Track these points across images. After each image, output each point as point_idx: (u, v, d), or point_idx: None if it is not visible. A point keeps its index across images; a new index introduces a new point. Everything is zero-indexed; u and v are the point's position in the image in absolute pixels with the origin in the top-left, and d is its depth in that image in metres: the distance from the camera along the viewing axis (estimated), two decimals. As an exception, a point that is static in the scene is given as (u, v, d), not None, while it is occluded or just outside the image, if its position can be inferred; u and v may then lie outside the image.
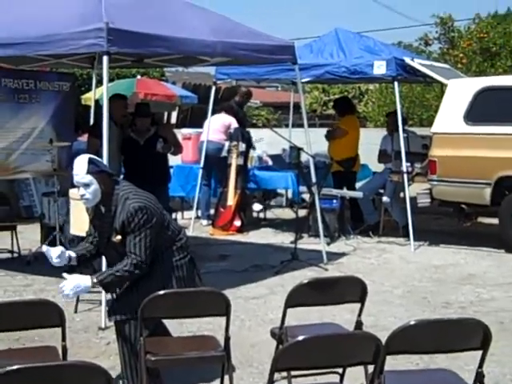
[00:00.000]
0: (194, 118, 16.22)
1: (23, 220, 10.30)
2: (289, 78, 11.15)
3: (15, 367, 2.91)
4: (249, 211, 11.82)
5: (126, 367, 4.71)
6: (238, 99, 12.05)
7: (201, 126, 12.69)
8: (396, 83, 10.09)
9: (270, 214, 12.38)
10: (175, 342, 4.72)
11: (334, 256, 9.32)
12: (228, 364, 4.35)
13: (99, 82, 10.70)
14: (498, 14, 26.00)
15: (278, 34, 9.10)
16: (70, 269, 8.09)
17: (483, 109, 9.51)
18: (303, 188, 10.66)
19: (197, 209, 11.51)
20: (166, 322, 5.00)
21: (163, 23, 7.53)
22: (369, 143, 13.13)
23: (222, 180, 11.46)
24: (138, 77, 14.82)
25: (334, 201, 10.57)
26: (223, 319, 4.36)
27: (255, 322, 6.74)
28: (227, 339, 4.33)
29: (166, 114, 15.86)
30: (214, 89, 11.31)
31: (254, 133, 12.41)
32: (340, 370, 4.47)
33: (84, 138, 10.59)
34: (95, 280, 4.61)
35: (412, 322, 3.49)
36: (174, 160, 10.75)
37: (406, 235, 10.11)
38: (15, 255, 9.11)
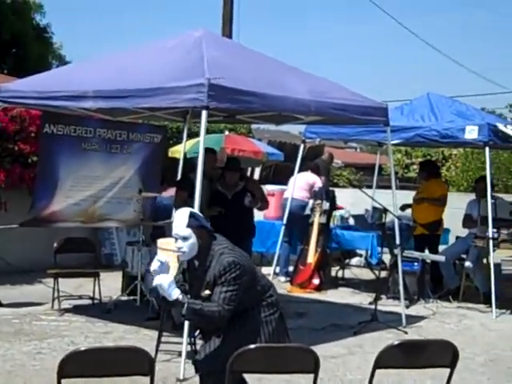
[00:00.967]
0: (278, 174, 16.26)
1: (104, 267, 10.47)
2: (378, 139, 11.13)
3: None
4: (328, 270, 11.77)
5: None
6: (325, 158, 12.13)
7: (283, 184, 12.77)
8: (487, 149, 10.00)
9: (348, 274, 12.30)
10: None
11: (413, 319, 9.18)
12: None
13: (189, 136, 10.91)
14: None
15: (367, 94, 9.15)
16: (151, 319, 8.29)
17: None
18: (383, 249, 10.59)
19: (276, 265, 11.52)
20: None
21: (260, 81, 7.67)
22: (450, 207, 12.98)
23: (302, 237, 11.46)
24: (226, 132, 15.02)
25: (415, 263, 10.46)
26: (300, 377, 4.33)
27: (334, 382, 6.67)
28: (314, 397, 4.28)
29: (249, 169, 15.99)
30: (302, 147, 11.40)
31: (337, 192, 12.43)
32: None
33: (168, 192, 10.73)
34: (186, 301, 4.56)
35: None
36: (256, 215, 10.82)
37: (487, 302, 9.92)
38: (96, 302, 9.24)
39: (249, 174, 15.80)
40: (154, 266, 4.80)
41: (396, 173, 23.19)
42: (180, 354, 6.64)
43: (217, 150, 9.99)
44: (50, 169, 9.45)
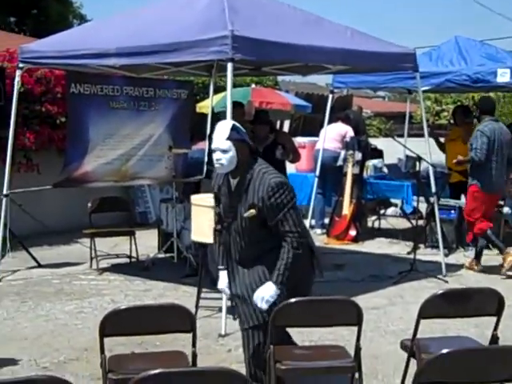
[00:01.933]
0: (307, 126, 16.12)
1: (138, 226, 10.45)
2: (407, 86, 10.95)
3: (156, 371, 2.88)
4: (364, 221, 11.67)
5: (252, 375, 4.63)
6: (356, 109, 11.96)
7: (313, 135, 12.63)
8: (521, 91, 9.78)
9: (384, 224, 12.18)
10: (303, 351, 4.64)
11: (452, 268, 9.10)
12: (359, 375, 4.24)
13: (215, 90, 10.77)
14: None
15: (396, 41, 8.96)
16: (189, 275, 8.27)
17: None
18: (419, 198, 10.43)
19: (311, 218, 11.43)
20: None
21: (284, 31, 7.52)
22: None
23: (336, 189, 11.35)
24: (253, 85, 14.88)
25: (452, 211, 10.32)
26: (343, 329, 4.27)
27: (377, 333, 6.61)
28: (358, 349, 4.23)
29: (278, 122, 15.85)
30: (330, 97, 11.21)
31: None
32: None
33: (198, 145, 10.65)
34: (278, 284, 4.42)
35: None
36: (288, 168, 10.73)
37: (528, 248, 9.74)
38: (133, 260, 9.24)
39: (278, 126, 15.66)
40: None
41: (427, 120, 22.97)
42: (220, 310, 6.62)
43: (244, 104, 9.86)
44: (79, 129, 9.37)
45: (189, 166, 10.43)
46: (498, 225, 10.41)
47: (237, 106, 8.60)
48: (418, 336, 4.64)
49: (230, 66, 6.68)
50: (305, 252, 4.58)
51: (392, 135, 13.56)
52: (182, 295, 7.74)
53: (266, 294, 4.41)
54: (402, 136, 14.06)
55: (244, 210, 4.46)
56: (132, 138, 9.84)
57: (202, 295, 7.03)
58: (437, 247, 9.41)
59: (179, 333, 4.30)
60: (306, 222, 11.19)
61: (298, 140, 12.68)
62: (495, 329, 4.45)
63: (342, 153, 11.29)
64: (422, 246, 10.17)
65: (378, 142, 14.41)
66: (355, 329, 4.29)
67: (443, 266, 8.80)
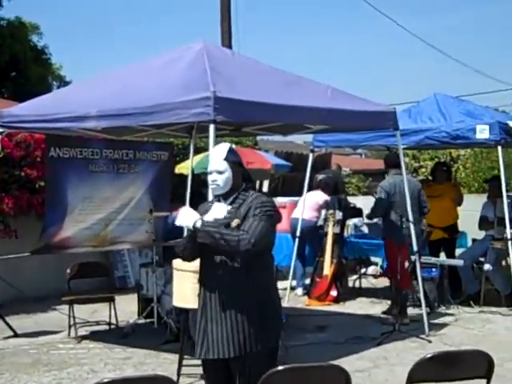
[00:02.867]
0: (287, 186, 16.13)
1: (118, 291, 10.33)
2: (388, 144, 10.99)
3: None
4: (345, 280, 11.62)
5: None
6: (335, 168, 11.99)
7: (293, 195, 12.61)
8: (500, 148, 9.83)
9: (365, 283, 12.14)
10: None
11: (435, 327, 9.04)
12: None
13: (195, 151, 10.75)
14: None
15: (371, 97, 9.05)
16: (170, 341, 8.14)
17: None
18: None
19: (292, 279, 11.37)
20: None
21: (266, 91, 7.55)
22: (463, 209, 12.84)
23: (317, 249, 11.29)
24: (233, 146, 14.89)
25: (433, 269, 10.29)
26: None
27: (362, 398, 6.51)
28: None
29: (258, 182, 15.85)
30: (311, 156, 11.20)
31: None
32: None
33: (178, 212, 10.55)
34: (199, 224, 4.33)
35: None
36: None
37: (510, 305, 9.78)
38: (113, 327, 9.10)
39: (258, 186, 15.66)
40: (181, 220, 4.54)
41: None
42: (202, 377, 6.49)
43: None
44: (58, 194, 9.30)
45: (169, 231, 10.36)
46: (479, 282, 10.43)
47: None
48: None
49: (212, 127, 6.68)
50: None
51: (372, 192, 13.58)
52: (163, 362, 7.61)
53: (188, 217, 4.40)
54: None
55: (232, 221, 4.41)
56: (112, 201, 9.78)
57: (184, 362, 6.91)
58: (418, 306, 9.36)
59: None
60: (288, 283, 11.10)
61: (279, 200, 12.66)
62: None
63: (323, 212, 11.26)
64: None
65: (357, 200, 14.43)
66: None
67: (426, 326, 8.73)
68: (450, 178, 11.43)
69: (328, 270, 10.84)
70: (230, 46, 17.58)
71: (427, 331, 8.69)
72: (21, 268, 10.30)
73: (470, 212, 11.36)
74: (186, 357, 6.96)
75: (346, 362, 7.54)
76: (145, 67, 8.25)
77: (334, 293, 10.81)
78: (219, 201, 4.53)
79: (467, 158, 23.16)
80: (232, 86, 7.11)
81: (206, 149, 14.79)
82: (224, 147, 4.59)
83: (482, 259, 10.59)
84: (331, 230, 10.89)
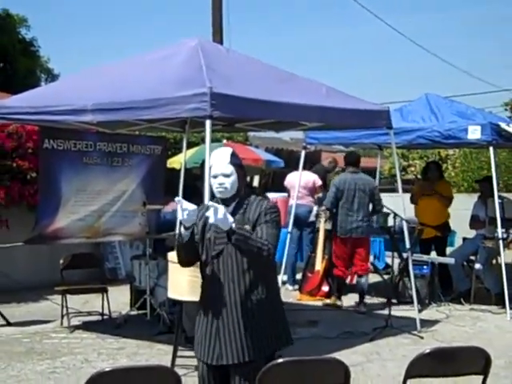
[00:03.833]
0: (277, 182, 16.17)
1: (109, 282, 10.33)
2: (378, 142, 11.05)
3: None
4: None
5: None
6: (326, 164, 12.03)
7: (283, 191, 12.63)
8: (491, 148, 9.90)
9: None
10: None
11: (426, 323, 9.09)
12: None
13: (187, 146, 10.77)
14: None
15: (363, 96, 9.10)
16: (162, 333, 8.16)
17: None
18: (388, 253, 10.50)
19: (283, 273, 11.40)
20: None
21: (260, 88, 7.58)
22: (453, 209, 12.93)
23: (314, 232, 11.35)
24: (224, 141, 14.93)
25: (425, 267, 10.36)
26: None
27: (356, 392, 6.55)
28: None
29: (248, 178, 15.88)
30: (303, 153, 11.23)
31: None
32: None
33: (170, 206, 10.57)
34: (235, 226, 4.21)
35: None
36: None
37: (500, 303, 9.84)
38: (105, 317, 9.11)
39: (248, 181, 15.69)
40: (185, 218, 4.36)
41: (394, 175, 23.18)
42: (196, 368, 6.50)
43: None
44: (52, 185, 9.30)
45: (161, 224, 10.39)
46: (469, 280, 10.50)
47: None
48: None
49: (208, 123, 6.68)
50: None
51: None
52: (156, 353, 7.63)
53: (224, 217, 4.17)
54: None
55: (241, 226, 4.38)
56: (105, 193, 9.80)
57: (178, 353, 6.93)
58: (410, 303, 9.42)
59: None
60: (279, 278, 11.13)
61: (270, 196, 12.70)
62: (481, 389, 4.42)
63: (315, 208, 11.32)
64: (394, 301, 10.15)
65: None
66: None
67: (418, 322, 8.79)
68: (441, 176, 11.48)
69: (320, 265, 10.89)
70: (221, 42, 17.58)
71: (419, 327, 8.74)
72: (12, 258, 10.31)
73: (459, 211, 11.43)
74: (179, 348, 6.99)
75: (339, 357, 7.50)
76: (140, 62, 8.25)
77: (325, 288, 10.85)
78: (218, 202, 4.46)
79: (456, 158, 23.28)
80: (227, 83, 7.14)
81: (197, 143, 14.87)
82: (227, 151, 4.57)
83: (472, 258, 10.66)
84: (323, 226, 10.93)
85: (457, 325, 9.21)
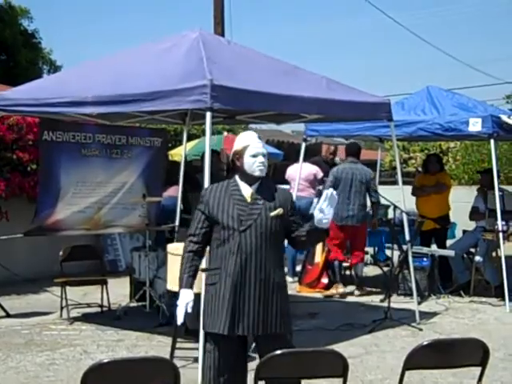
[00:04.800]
0: (277, 174, 16.15)
1: (108, 274, 10.34)
2: (379, 135, 11.03)
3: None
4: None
5: None
6: (325, 155, 12.02)
7: (284, 183, 12.62)
8: (492, 141, 9.88)
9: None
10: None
11: (426, 315, 9.09)
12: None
13: (187, 138, 10.77)
14: None
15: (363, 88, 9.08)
16: (162, 325, 8.17)
17: None
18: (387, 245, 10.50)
19: (283, 265, 11.39)
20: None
21: (262, 80, 7.56)
22: (454, 201, 12.94)
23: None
24: (225, 133, 14.92)
25: (424, 259, 10.36)
26: (323, 380, 4.24)
27: (355, 383, 6.53)
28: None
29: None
30: (303, 145, 11.22)
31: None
32: None
33: (169, 191, 10.58)
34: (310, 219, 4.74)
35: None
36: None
37: (499, 295, 9.84)
38: (105, 309, 9.12)
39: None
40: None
41: (394, 168, 23.17)
42: (196, 360, 6.52)
43: (219, 151, 9.87)
44: (51, 177, 9.31)
45: (161, 214, 10.39)
46: (469, 272, 10.50)
47: (213, 153, 8.61)
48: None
49: (208, 115, 6.65)
50: None
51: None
52: (156, 345, 7.63)
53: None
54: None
55: (270, 210, 4.72)
56: (105, 185, 9.80)
57: (177, 345, 6.94)
58: (409, 295, 9.42)
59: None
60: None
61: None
62: (480, 379, 4.42)
63: (315, 200, 11.30)
64: (394, 293, 10.17)
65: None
66: (335, 380, 4.24)
67: (417, 314, 8.79)
68: (442, 168, 11.46)
69: (319, 257, 10.89)
70: (222, 35, 17.53)
71: (418, 319, 8.74)
72: (12, 250, 10.30)
73: (459, 203, 11.43)
74: (178, 340, 7.00)
75: (338, 349, 7.45)
76: (141, 54, 8.20)
77: (325, 280, 10.83)
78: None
79: (457, 151, 23.26)
80: (228, 75, 7.11)
81: (197, 136, 14.89)
82: (255, 134, 4.97)
83: (472, 250, 10.66)
84: (323, 218, 10.90)
85: (456, 317, 9.21)
